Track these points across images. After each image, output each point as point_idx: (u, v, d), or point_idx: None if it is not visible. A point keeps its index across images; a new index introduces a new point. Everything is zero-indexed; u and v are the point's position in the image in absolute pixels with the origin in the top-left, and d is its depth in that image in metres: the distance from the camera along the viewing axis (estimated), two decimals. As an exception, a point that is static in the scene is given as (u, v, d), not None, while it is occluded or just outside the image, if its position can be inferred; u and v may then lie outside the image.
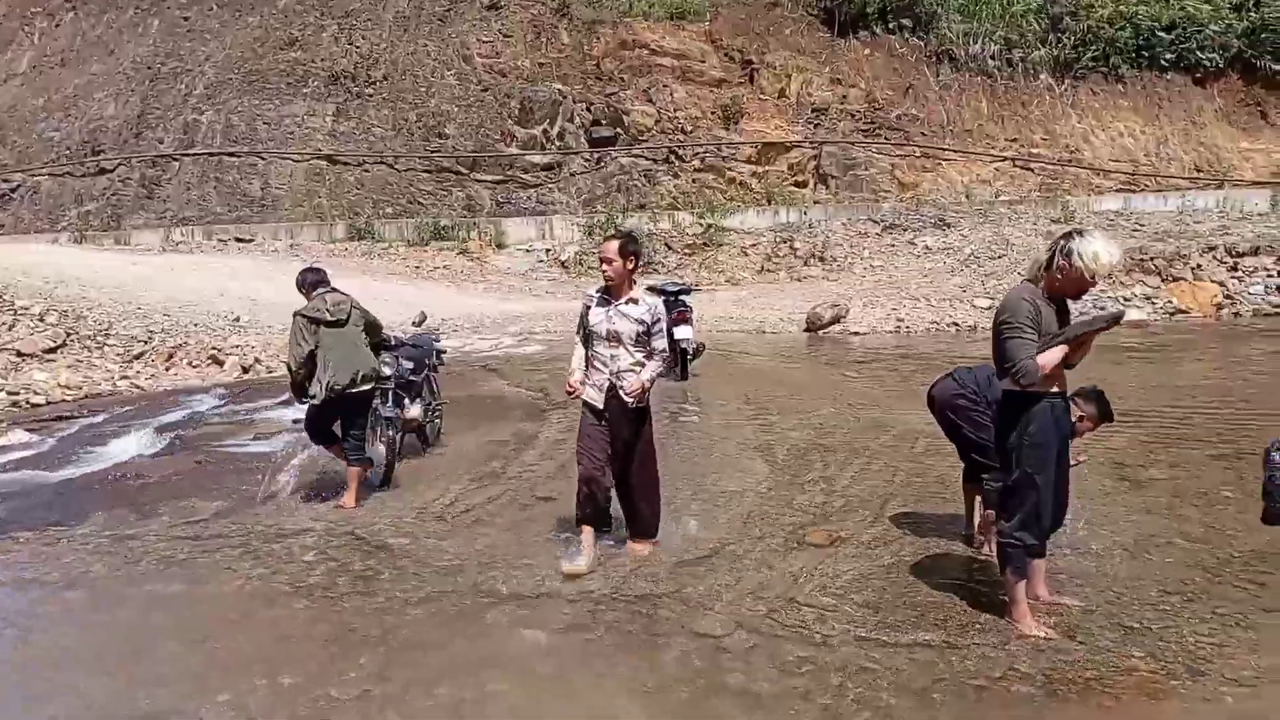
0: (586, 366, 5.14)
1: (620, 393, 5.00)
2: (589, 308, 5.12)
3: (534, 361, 11.69)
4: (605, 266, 4.98)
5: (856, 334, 13.23)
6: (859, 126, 20.45)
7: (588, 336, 5.11)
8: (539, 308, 14.98)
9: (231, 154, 19.83)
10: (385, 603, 4.74)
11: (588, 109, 19.71)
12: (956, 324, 13.40)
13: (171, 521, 6.01)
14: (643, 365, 5.03)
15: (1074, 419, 4.53)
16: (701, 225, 17.91)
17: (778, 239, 17.48)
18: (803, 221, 18.36)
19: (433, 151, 19.59)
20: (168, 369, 10.88)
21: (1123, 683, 3.78)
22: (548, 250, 17.58)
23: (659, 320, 5.04)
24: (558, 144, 19.45)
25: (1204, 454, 6.97)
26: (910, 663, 4.01)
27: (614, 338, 5.00)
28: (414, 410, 7.10)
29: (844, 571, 5.00)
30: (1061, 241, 4.06)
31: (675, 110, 19.78)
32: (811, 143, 20.10)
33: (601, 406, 5.05)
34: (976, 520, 5.25)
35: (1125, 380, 9.44)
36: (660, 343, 5.08)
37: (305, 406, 6.31)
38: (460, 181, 19.38)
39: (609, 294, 5.06)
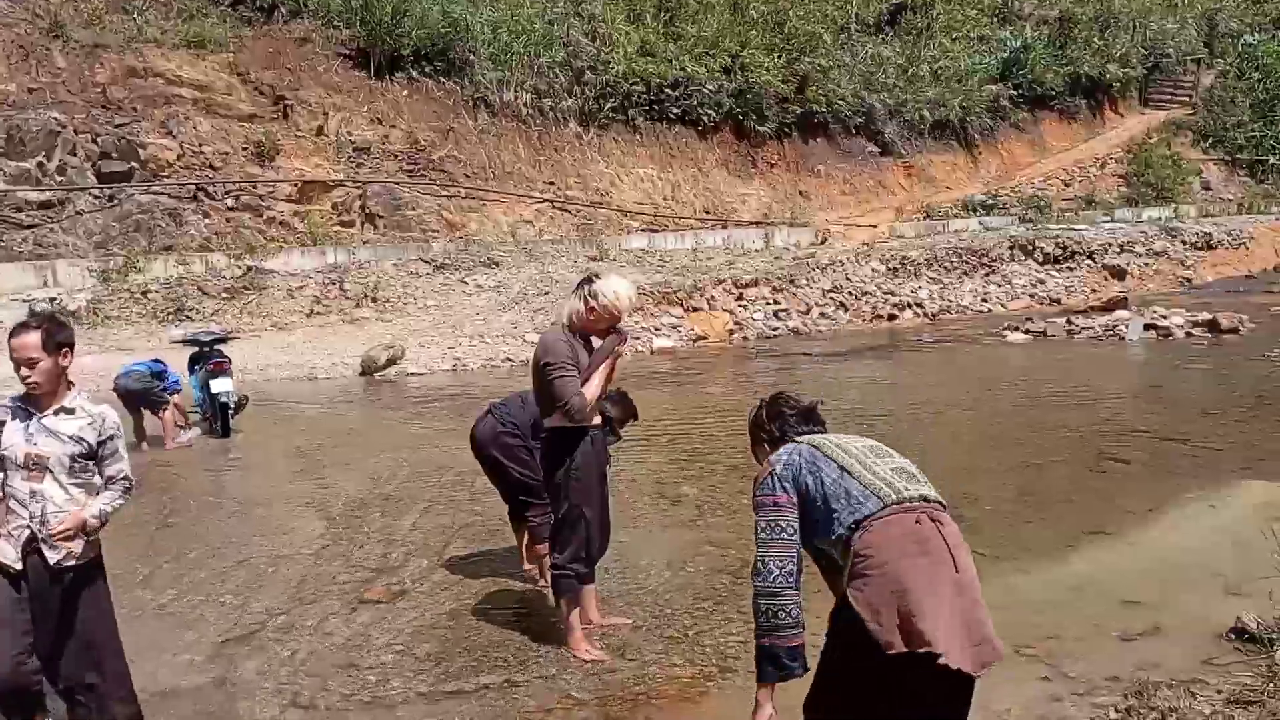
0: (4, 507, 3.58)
1: (44, 546, 3.46)
2: (3, 422, 3.58)
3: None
4: (26, 372, 3.47)
5: (414, 374, 13.10)
6: (403, 167, 20.41)
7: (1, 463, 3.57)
8: (43, 367, 12.92)
9: None
10: None
11: (94, 140, 17.47)
12: (510, 359, 13.81)
13: None
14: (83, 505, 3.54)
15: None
16: (240, 267, 16.67)
17: (327, 280, 16.80)
18: (352, 262, 17.86)
19: (-114, 186, 16.17)
20: None
21: (667, 691, 4.06)
22: (52, 300, 15.22)
23: (113, 436, 3.59)
24: (58, 179, 17.01)
25: (725, 466, 7.81)
26: (475, 708, 3.98)
27: (36, 465, 3.48)
28: None
29: (405, 625, 4.85)
30: (585, 287, 4.31)
31: (201, 145, 18.23)
32: (355, 182, 19.67)
33: (20, 567, 3.48)
34: (527, 554, 5.37)
35: (659, 403, 10.35)
36: (118, 467, 3.61)
37: None
38: (-72, 222, 16.18)
39: (29, 403, 3.56)
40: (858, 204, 26.76)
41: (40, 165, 16.79)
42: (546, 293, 16.57)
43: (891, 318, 17.73)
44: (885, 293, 18.45)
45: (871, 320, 17.55)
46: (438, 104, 21.64)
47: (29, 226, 16.54)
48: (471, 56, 22.14)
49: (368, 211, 19.55)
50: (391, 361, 13.16)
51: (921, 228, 24.54)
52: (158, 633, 4.81)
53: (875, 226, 24.13)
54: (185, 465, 8.44)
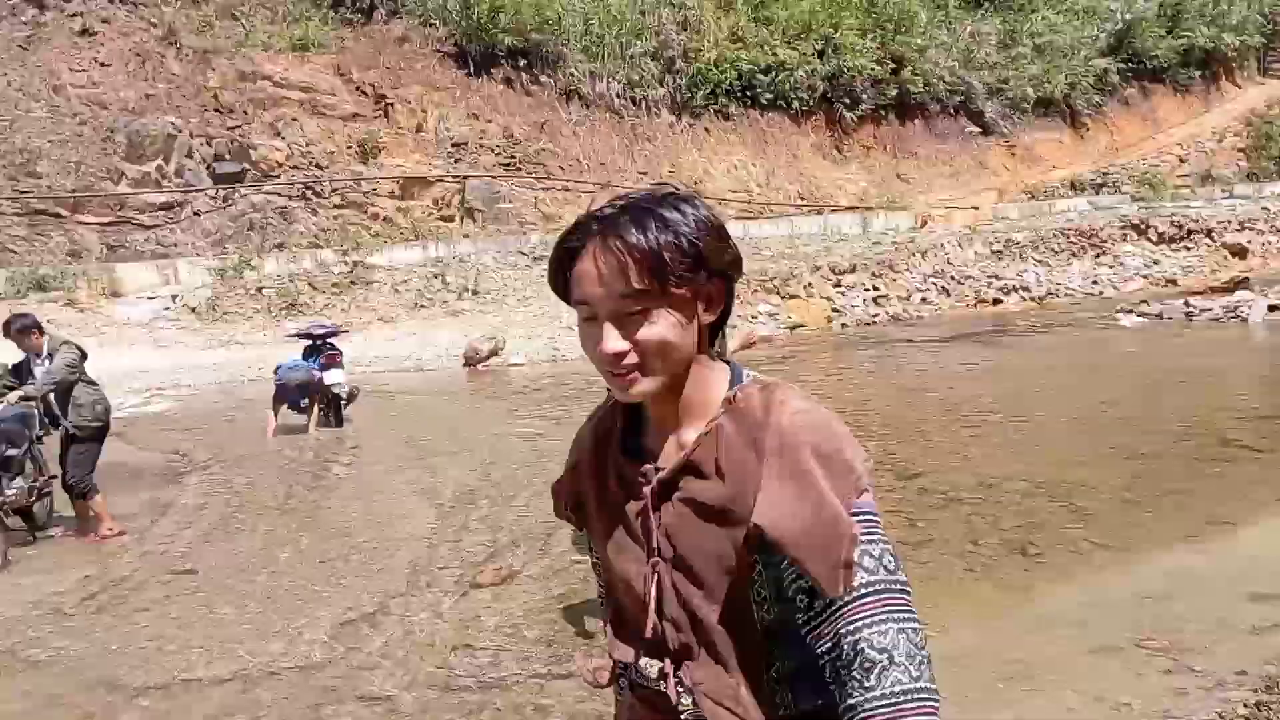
0: None
1: None
2: None
3: (165, 421, 10.57)
4: None
5: (515, 365, 13.35)
6: (500, 161, 20.77)
7: None
8: (168, 360, 13.60)
9: None
10: (-18, 727, 4.00)
11: (208, 143, 18.28)
12: (607, 349, 13.92)
13: None
14: None
15: None
16: (347, 263, 17.24)
17: (429, 274, 17.24)
18: (453, 255, 18.28)
19: (23, 192, 17.19)
20: None
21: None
22: (174, 296, 16.03)
23: None
24: (176, 181, 17.86)
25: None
26: (584, 691, 4.04)
27: None
28: (13, 489, 6.14)
29: (516, 608, 4.96)
30: None
31: (308, 145, 18.91)
32: (454, 177, 20.10)
33: None
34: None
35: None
36: None
37: None
38: (61, 225, 17.16)
39: None
40: (958, 186, 26.09)
41: (160, 168, 17.63)
42: (643, 282, 16.65)
43: (996, 302, 17.27)
44: (989, 276, 17.99)
45: (975, 305, 17.13)
46: (533, 98, 21.93)
47: (151, 227, 17.41)
48: (564, 50, 22.33)
49: (467, 206, 19.95)
50: (493, 353, 13.42)
51: (1026, 209, 23.80)
52: (282, 611, 5.04)
53: (977, 209, 23.49)
54: (303, 455, 8.79)
